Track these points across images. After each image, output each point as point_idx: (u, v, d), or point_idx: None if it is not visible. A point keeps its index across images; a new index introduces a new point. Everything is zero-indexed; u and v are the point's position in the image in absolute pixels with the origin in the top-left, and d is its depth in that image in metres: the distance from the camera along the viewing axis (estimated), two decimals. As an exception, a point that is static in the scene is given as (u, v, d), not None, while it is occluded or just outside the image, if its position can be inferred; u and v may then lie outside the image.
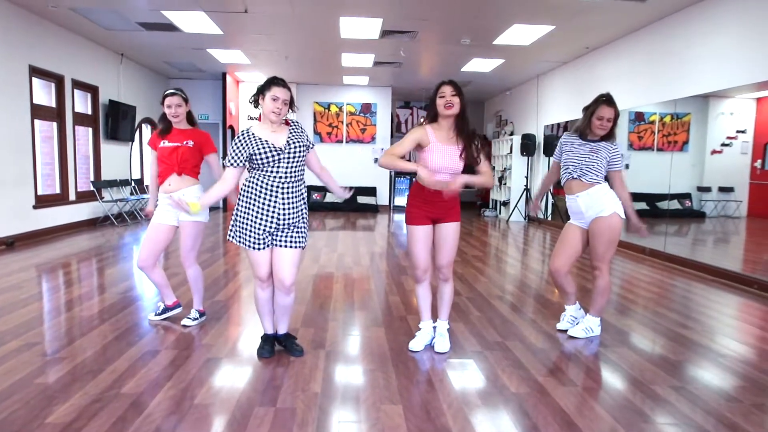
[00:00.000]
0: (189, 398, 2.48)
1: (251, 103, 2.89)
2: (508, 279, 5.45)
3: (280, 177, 2.79)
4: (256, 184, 2.80)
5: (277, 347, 3.11)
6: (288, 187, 2.82)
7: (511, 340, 3.39)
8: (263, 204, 2.79)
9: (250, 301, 4.10)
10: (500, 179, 12.00)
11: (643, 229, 3.52)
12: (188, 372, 2.78)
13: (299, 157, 2.83)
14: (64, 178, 7.94)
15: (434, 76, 11.09)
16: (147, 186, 3.57)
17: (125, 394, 2.50)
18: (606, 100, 3.37)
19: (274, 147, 2.77)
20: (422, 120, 3.28)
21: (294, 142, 2.81)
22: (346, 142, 13.11)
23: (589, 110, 3.40)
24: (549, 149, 10.07)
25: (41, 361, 2.88)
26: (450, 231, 3.09)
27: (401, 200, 13.65)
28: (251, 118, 11.71)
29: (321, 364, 2.94)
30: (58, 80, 7.70)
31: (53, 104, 7.70)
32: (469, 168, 3.08)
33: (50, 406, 2.35)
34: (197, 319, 3.61)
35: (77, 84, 8.12)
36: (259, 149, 2.76)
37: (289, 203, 2.82)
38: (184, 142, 3.47)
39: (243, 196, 2.86)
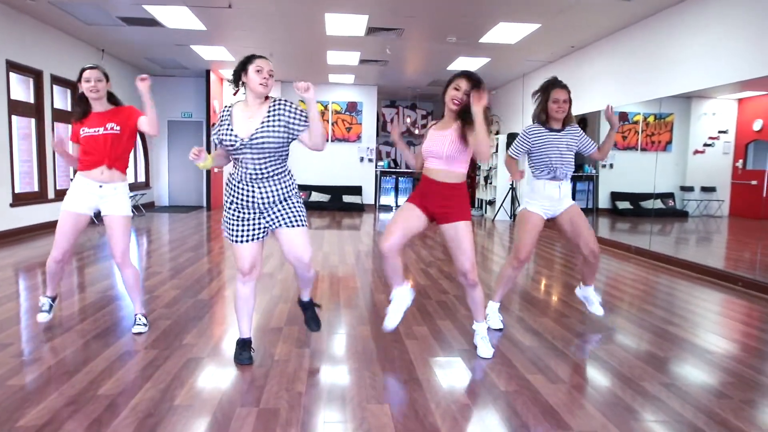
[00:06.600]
0: (168, 399, 2.40)
1: (230, 83, 2.65)
2: (495, 277, 5.42)
3: (248, 170, 2.62)
4: (235, 174, 2.69)
5: (252, 351, 2.94)
6: (261, 180, 2.63)
7: (499, 338, 3.35)
8: (241, 194, 2.66)
9: (233, 300, 4.01)
10: (486, 178, 12.00)
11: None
12: (168, 372, 2.70)
13: (269, 149, 2.58)
14: (43, 176, 7.75)
15: (420, 75, 11.06)
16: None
17: (102, 396, 2.41)
18: (558, 82, 3.40)
19: (237, 137, 2.57)
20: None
21: (262, 133, 2.56)
22: (332, 140, 13.02)
23: (543, 96, 3.41)
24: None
25: (16, 362, 2.78)
26: (454, 231, 2.85)
27: (387, 199, 13.61)
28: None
29: (306, 364, 2.87)
30: (37, 75, 7.52)
31: (31, 100, 7.52)
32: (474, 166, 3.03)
33: (23, 409, 2.26)
34: (146, 324, 3.34)
35: (56, 80, 7.93)
36: (224, 136, 2.62)
37: (267, 192, 2.65)
38: (109, 127, 3.12)
39: (227, 185, 2.76)
